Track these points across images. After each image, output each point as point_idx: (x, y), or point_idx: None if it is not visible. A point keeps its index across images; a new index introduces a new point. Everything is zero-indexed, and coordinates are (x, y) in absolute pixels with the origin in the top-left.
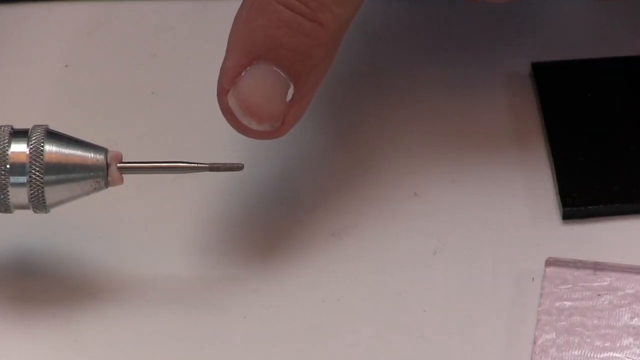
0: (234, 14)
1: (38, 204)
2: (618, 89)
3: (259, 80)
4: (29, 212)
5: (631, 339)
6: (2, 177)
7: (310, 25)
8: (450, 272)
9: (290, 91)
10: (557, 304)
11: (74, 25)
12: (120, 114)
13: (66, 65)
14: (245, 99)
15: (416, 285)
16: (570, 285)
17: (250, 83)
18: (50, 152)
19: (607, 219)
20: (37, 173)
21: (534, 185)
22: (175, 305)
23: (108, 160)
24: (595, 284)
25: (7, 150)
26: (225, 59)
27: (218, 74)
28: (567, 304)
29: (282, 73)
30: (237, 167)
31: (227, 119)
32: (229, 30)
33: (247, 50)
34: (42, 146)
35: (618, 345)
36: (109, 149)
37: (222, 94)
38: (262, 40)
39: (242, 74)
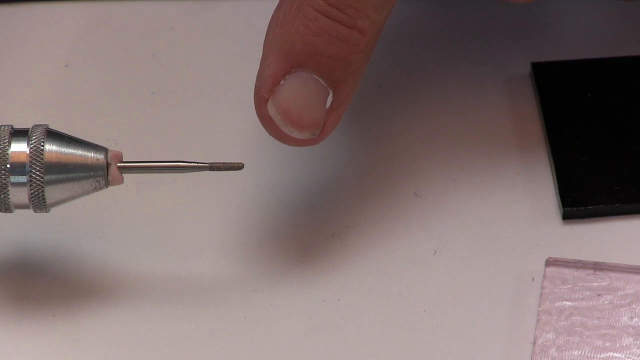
0: (234, 14)
1: (38, 203)
2: (618, 89)
3: (299, 89)
4: (29, 212)
5: (631, 339)
6: (3, 176)
7: (349, 32)
8: (450, 272)
9: (329, 98)
10: (557, 304)
11: (74, 25)
12: (120, 114)
13: (66, 65)
14: (286, 108)
15: (416, 285)
16: (570, 285)
17: (290, 91)
18: (51, 152)
19: (607, 219)
20: (38, 172)
21: (534, 185)
22: (176, 305)
23: (108, 159)
24: (595, 284)
25: (8, 149)
26: (262, 66)
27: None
28: (567, 304)
29: (321, 80)
30: (237, 167)
31: (266, 128)
32: (229, 30)
33: (285, 58)
34: (43, 146)
35: (618, 345)
36: (109, 148)
37: (262, 102)
38: (301, 47)
39: (282, 82)
